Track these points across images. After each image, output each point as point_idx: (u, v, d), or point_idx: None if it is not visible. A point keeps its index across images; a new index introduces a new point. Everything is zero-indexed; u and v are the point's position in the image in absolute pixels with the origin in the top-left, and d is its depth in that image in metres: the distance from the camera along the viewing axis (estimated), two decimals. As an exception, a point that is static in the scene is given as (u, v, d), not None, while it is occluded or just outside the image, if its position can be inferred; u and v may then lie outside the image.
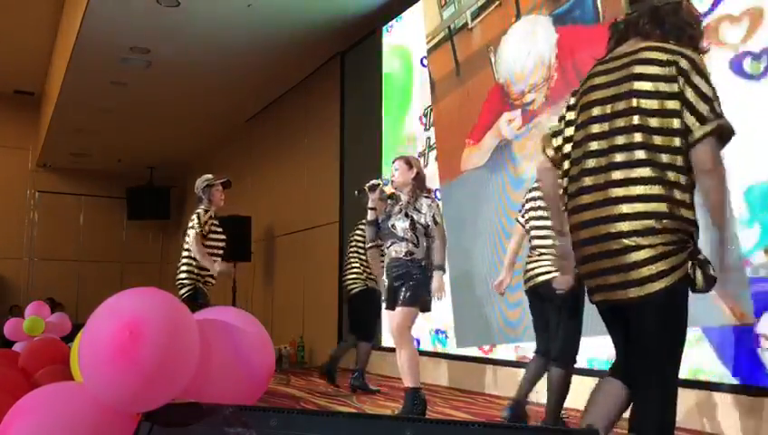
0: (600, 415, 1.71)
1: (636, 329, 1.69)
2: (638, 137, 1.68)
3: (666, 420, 1.63)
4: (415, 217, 3.54)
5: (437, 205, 3.65)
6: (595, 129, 1.79)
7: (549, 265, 3.02)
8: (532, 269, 3.13)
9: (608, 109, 1.76)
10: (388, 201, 3.75)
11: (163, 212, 13.32)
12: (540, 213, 3.14)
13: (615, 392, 1.73)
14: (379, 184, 3.76)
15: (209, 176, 4.68)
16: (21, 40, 8.84)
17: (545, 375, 3.09)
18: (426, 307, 3.56)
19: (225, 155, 10.97)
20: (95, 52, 7.26)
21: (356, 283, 5.02)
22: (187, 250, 4.48)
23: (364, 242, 5.09)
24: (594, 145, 1.78)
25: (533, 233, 3.20)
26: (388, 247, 3.63)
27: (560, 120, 1.98)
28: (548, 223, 3.05)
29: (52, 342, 3.57)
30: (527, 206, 3.28)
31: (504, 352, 4.61)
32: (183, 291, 4.43)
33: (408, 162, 3.69)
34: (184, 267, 4.49)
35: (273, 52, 7.37)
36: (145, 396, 1.31)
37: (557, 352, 3.00)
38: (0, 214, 11.83)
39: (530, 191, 3.31)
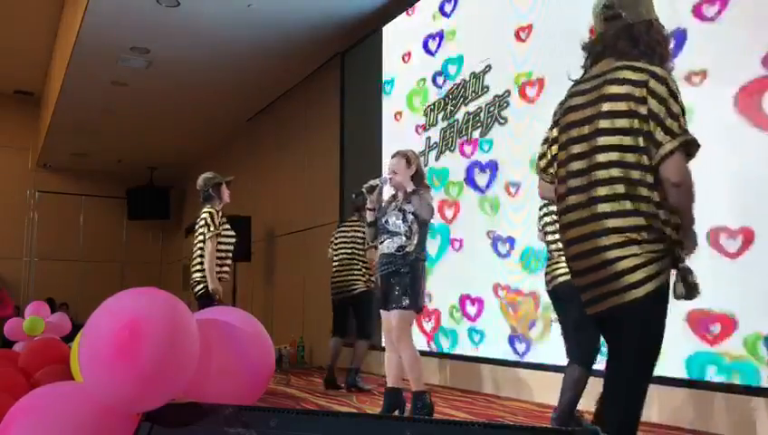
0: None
1: (616, 333, 1.78)
2: (613, 156, 1.76)
3: (628, 420, 1.70)
4: (407, 208, 3.48)
5: (429, 195, 3.52)
6: (575, 149, 1.86)
7: (564, 268, 3.01)
8: (552, 271, 3.13)
9: (585, 129, 1.83)
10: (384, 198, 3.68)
11: (163, 212, 13.32)
12: (554, 217, 3.14)
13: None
14: (377, 185, 3.66)
15: (212, 174, 4.65)
16: (21, 40, 8.84)
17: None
18: (421, 308, 3.52)
19: (225, 155, 10.97)
20: (95, 52, 7.27)
21: (358, 283, 5.11)
22: (199, 249, 4.44)
23: (363, 242, 5.12)
24: (576, 165, 1.85)
25: (549, 238, 3.18)
26: (381, 244, 3.57)
27: (543, 142, 2.06)
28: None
29: (52, 342, 3.57)
30: (543, 211, 3.26)
31: (504, 352, 4.61)
32: (198, 289, 4.39)
33: (407, 159, 3.57)
34: (198, 265, 4.43)
35: (273, 51, 7.37)
36: (145, 396, 1.31)
37: (571, 349, 2.99)
38: (0, 214, 11.83)
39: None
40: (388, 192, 3.78)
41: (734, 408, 3.15)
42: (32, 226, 12.41)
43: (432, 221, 3.64)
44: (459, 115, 5.29)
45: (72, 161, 12.12)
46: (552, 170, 2.01)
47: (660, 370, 1.84)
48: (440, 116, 5.52)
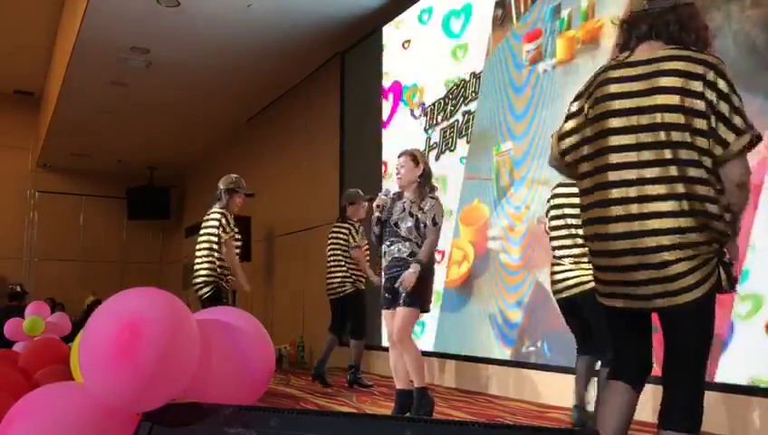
0: (617, 419, 1.79)
1: (673, 334, 1.75)
2: (667, 153, 1.67)
3: (696, 417, 1.70)
4: (420, 216, 3.43)
5: (441, 206, 3.53)
6: (614, 141, 1.75)
7: (581, 276, 2.95)
8: (570, 278, 3.01)
9: (633, 120, 1.72)
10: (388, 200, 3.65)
11: (163, 212, 13.33)
12: (565, 213, 3.03)
13: (627, 395, 1.80)
14: (386, 204, 3.56)
15: (235, 178, 4.64)
16: (21, 40, 8.85)
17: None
18: (426, 308, 3.50)
19: (225, 155, 10.97)
20: (95, 52, 7.27)
21: (345, 284, 5.12)
22: (207, 249, 4.43)
23: (347, 243, 5.10)
24: (616, 158, 1.75)
25: (558, 235, 3.06)
26: (388, 247, 3.52)
27: (566, 121, 1.94)
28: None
29: (52, 342, 3.57)
30: (552, 212, 3.15)
31: (503, 352, 4.61)
32: (205, 290, 4.38)
33: (415, 158, 3.53)
34: (205, 265, 4.42)
35: (273, 52, 7.37)
36: (145, 396, 1.31)
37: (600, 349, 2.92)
38: (0, 214, 11.83)
39: (554, 188, 3.18)
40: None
41: (734, 408, 3.15)
42: (32, 226, 12.41)
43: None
44: (459, 115, 5.29)
45: (72, 161, 12.13)
46: (568, 158, 1.90)
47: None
48: (440, 116, 5.52)
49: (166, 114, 9.65)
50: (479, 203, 4.99)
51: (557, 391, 4.07)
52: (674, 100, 1.66)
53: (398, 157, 3.61)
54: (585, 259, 2.93)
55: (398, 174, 3.56)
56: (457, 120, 5.31)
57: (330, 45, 7.17)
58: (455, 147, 5.31)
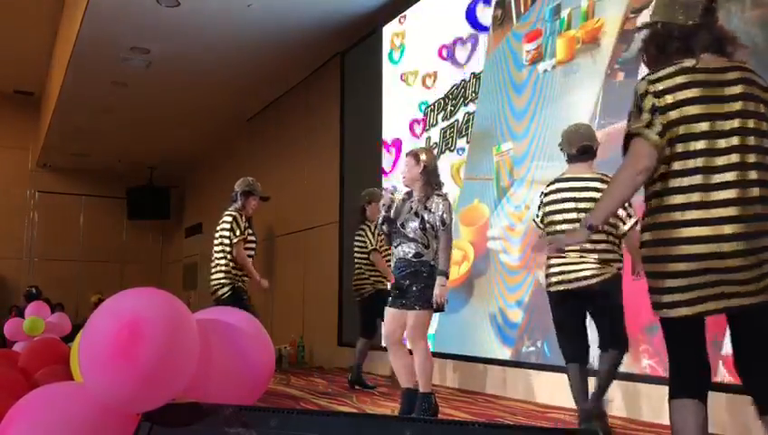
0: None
1: (761, 328, 1.81)
2: (752, 157, 1.77)
3: None
4: (426, 216, 3.39)
5: (449, 203, 3.47)
6: (702, 145, 1.79)
7: (593, 268, 2.92)
8: (572, 271, 2.95)
9: (716, 126, 1.78)
10: (394, 202, 3.62)
11: (163, 212, 13.33)
12: (566, 208, 3.00)
13: (703, 414, 1.86)
14: (392, 202, 3.54)
15: (251, 181, 4.67)
16: (21, 40, 8.85)
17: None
18: (440, 308, 3.42)
19: (225, 155, 10.97)
20: (95, 52, 7.27)
21: (364, 287, 5.08)
22: (222, 251, 4.47)
23: (364, 245, 5.08)
24: (720, 160, 1.78)
25: (560, 229, 3.00)
26: (395, 247, 3.49)
27: (649, 111, 1.85)
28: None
29: (52, 342, 3.57)
30: (552, 207, 3.08)
31: (504, 352, 4.61)
32: (223, 291, 4.44)
33: (416, 156, 3.50)
34: (221, 268, 4.47)
35: (273, 51, 7.37)
36: (145, 396, 1.31)
37: (615, 337, 2.95)
38: (0, 214, 11.83)
39: (550, 184, 3.13)
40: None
41: (734, 408, 3.15)
42: (32, 226, 12.41)
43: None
44: (459, 115, 5.29)
45: (72, 161, 12.13)
46: (660, 141, 1.82)
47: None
48: (440, 116, 5.52)
49: (166, 114, 9.65)
50: (479, 203, 4.99)
51: (557, 391, 4.07)
52: (760, 108, 1.80)
53: (405, 156, 3.64)
54: (592, 254, 2.91)
55: (403, 174, 3.59)
56: (457, 120, 5.31)
57: (330, 45, 7.17)
58: (455, 147, 5.31)
